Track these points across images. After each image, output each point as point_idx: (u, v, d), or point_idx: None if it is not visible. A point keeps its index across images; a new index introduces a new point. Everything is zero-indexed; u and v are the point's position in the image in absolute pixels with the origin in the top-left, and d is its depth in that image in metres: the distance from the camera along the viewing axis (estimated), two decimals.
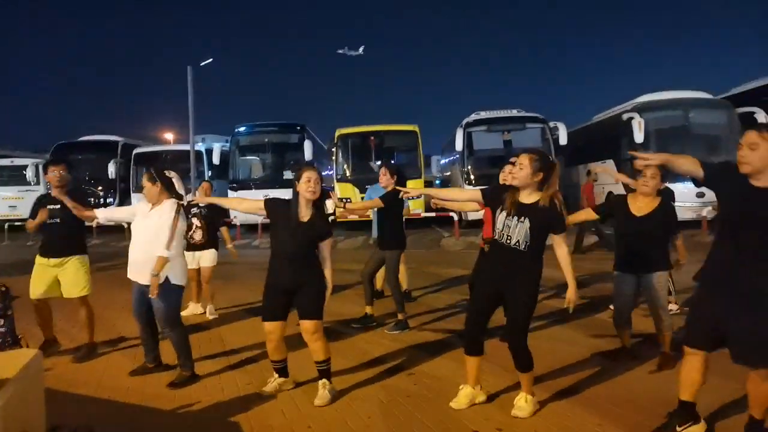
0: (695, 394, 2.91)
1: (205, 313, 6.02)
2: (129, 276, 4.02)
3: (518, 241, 3.15)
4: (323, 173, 19.34)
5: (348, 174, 16.15)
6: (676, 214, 4.19)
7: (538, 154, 3.27)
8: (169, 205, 3.99)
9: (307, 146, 15.98)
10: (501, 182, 4.31)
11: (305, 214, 3.52)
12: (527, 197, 3.22)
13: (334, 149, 16.21)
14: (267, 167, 17.74)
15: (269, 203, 3.61)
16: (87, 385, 3.98)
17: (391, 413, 3.38)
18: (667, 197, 4.50)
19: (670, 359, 4.01)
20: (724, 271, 2.72)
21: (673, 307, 5.56)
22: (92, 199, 18.10)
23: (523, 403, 3.27)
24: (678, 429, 2.93)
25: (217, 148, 17.07)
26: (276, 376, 3.76)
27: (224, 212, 6.39)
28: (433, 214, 14.09)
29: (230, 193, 16.44)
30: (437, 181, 29.27)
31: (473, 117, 16.06)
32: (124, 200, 17.67)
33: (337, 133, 16.22)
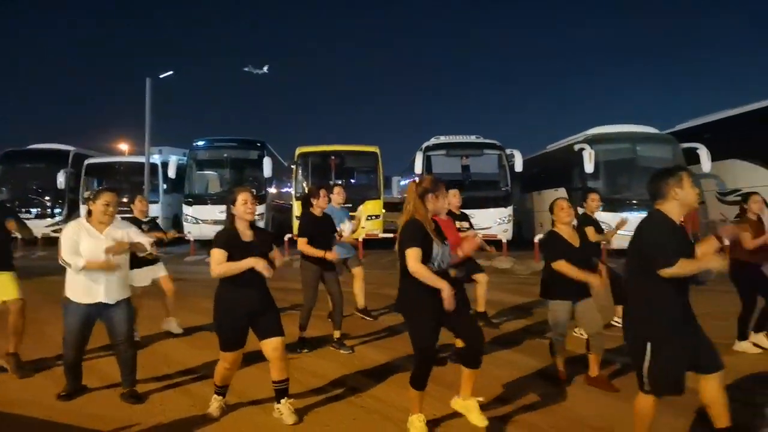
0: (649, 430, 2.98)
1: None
2: (82, 299, 3.87)
3: None
4: (283, 190, 19.21)
5: (307, 192, 16.10)
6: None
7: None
8: (122, 221, 4.04)
9: (267, 163, 15.90)
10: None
11: (247, 234, 3.56)
12: None
13: (294, 167, 16.17)
14: (224, 183, 17.51)
15: (223, 244, 3.49)
16: (20, 403, 3.82)
17: None
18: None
19: (599, 380, 4.22)
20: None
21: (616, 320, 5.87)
22: (39, 209, 17.46)
23: (473, 407, 3.37)
24: None
25: (173, 161, 16.75)
26: (219, 397, 3.72)
27: (162, 230, 6.30)
28: (390, 235, 14.20)
29: (185, 207, 16.17)
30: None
31: (433, 141, 16.36)
32: (73, 212, 17.06)
33: (297, 151, 16.20)
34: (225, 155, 17.19)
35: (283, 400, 3.59)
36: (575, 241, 4.30)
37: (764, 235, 4.97)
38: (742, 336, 5.27)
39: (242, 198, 3.53)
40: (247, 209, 3.52)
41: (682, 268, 2.74)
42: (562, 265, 4.13)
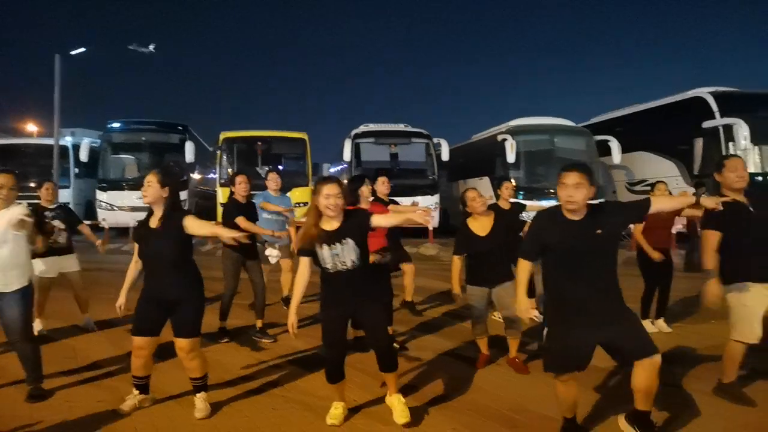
0: (573, 410, 3.13)
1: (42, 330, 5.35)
2: None
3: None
4: (208, 176, 18.48)
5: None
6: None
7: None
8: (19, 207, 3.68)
9: (189, 148, 15.27)
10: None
11: (155, 221, 3.42)
12: (330, 225, 3.23)
13: (218, 152, 15.65)
14: (142, 168, 16.65)
15: (133, 233, 3.51)
16: None
17: (256, 427, 3.33)
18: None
19: (514, 363, 4.40)
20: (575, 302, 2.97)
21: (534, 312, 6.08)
22: None
23: (396, 403, 3.36)
24: None
25: (85, 143, 15.70)
26: (136, 392, 3.55)
27: (76, 217, 5.87)
28: None
29: (99, 193, 15.27)
30: None
31: (362, 128, 16.35)
32: None
33: (221, 136, 15.67)
34: (143, 138, 16.35)
35: (199, 394, 3.49)
36: (485, 230, 4.41)
37: (658, 222, 5.36)
38: (644, 315, 5.72)
39: (146, 180, 3.43)
40: (142, 192, 3.41)
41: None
42: (455, 261, 4.48)
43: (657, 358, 2.88)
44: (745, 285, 3.57)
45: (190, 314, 3.40)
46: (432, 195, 15.10)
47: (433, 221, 14.46)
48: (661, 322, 5.76)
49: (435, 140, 15.93)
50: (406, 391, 3.84)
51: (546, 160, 14.40)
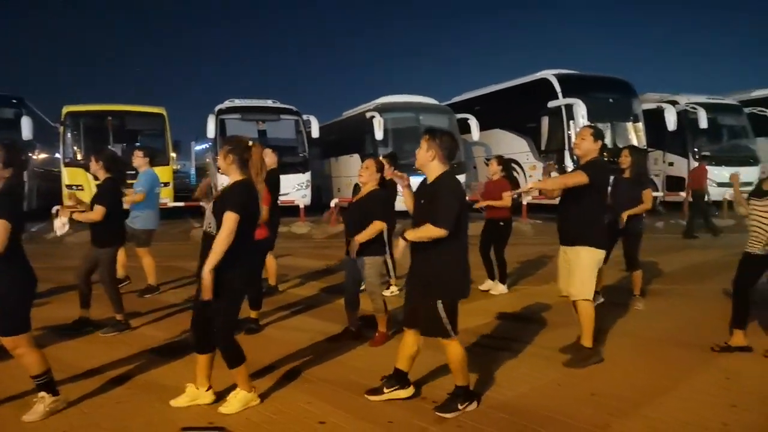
0: (408, 364, 3.37)
1: None
2: None
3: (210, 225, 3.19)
4: (56, 156, 16.53)
5: (80, 158, 14.17)
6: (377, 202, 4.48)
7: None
8: None
9: (26, 123, 13.49)
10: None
11: None
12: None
13: (62, 129, 14.09)
14: None
15: None
16: None
17: (94, 423, 3.12)
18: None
19: (382, 337, 4.54)
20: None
21: (393, 289, 6.31)
22: None
23: (232, 399, 3.26)
24: (385, 391, 3.37)
25: None
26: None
27: None
28: (182, 204, 13.35)
29: None
30: (192, 170, 27.82)
31: (227, 104, 15.65)
32: None
33: (64, 110, 14.11)
34: None
35: (40, 394, 3.18)
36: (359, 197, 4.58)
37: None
38: (490, 276, 6.49)
39: None
40: None
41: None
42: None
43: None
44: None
45: (5, 310, 3.06)
46: (303, 173, 14.96)
47: (305, 200, 14.37)
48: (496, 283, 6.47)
49: (305, 117, 15.75)
50: (267, 371, 3.87)
51: (411, 136, 14.90)
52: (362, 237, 4.29)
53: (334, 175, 17.81)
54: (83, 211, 4.93)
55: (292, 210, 12.99)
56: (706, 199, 11.94)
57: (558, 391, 3.58)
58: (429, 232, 3.07)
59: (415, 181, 3.31)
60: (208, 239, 3.15)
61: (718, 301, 5.61)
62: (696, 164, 12.86)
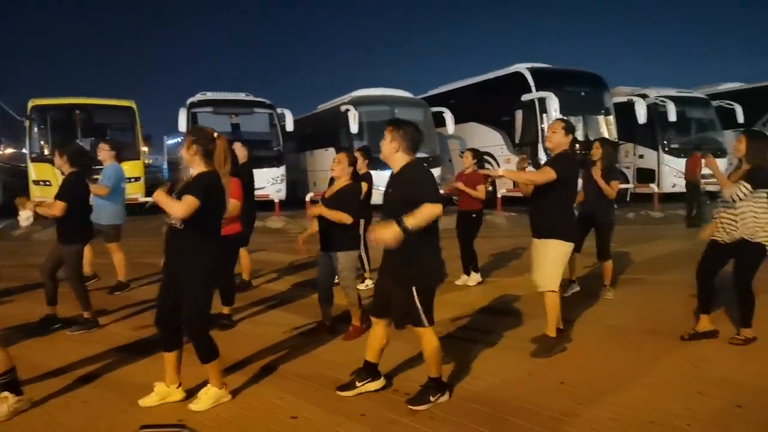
0: (378, 355, 3.37)
1: None
2: None
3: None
4: (22, 151, 16.11)
5: (47, 153, 13.80)
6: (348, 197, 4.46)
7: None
8: None
9: None
10: None
11: None
12: None
13: (28, 123, 13.70)
14: None
15: None
16: None
17: (59, 423, 3.05)
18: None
19: (356, 331, 4.52)
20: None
21: (369, 282, 6.30)
22: None
23: (202, 396, 3.21)
24: (357, 385, 3.35)
25: None
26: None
27: None
28: (150, 199, 13.10)
29: None
30: (164, 164, 27.31)
31: (198, 97, 15.38)
32: None
33: (30, 104, 13.73)
34: None
35: (3, 393, 3.08)
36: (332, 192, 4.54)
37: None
38: (465, 271, 6.46)
39: None
40: None
41: None
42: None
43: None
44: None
45: None
46: (278, 167, 14.81)
47: (280, 194, 14.23)
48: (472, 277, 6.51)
49: (279, 110, 15.57)
50: (239, 366, 3.82)
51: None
52: (326, 213, 4.32)
53: (310, 169, 17.68)
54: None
55: (267, 204, 12.85)
56: (700, 188, 12.13)
57: (528, 381, 3.62)
58: (429, 210, 2.97)
59: (385, 174, 3.31)
60: (174, 234, 3.09)
61: (688, 290, 5.71)
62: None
